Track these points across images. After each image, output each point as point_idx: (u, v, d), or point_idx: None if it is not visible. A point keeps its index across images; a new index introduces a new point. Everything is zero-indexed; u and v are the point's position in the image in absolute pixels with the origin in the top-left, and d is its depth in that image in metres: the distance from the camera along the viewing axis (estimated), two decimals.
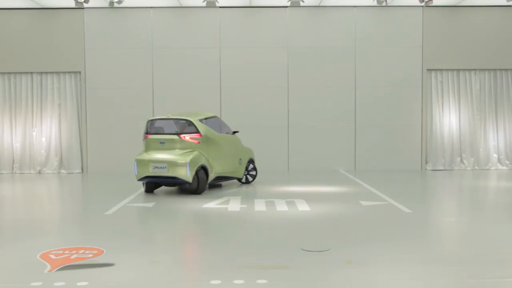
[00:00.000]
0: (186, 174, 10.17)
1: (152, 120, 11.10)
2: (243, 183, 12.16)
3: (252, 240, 6.79)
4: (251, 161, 12.22)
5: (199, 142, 10.52)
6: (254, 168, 12.24)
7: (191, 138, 10.50)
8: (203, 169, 10.59)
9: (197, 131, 10.58)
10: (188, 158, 10.23)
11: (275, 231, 7.37)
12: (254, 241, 6.72)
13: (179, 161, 10.23)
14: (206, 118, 11.09)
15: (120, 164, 14.87)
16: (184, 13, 14.99)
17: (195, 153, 10.41)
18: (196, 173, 10.36)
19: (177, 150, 10.44)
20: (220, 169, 11.12)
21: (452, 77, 15.30)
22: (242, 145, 12.06)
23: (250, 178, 12.19)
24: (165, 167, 10.28)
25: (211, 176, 10.86)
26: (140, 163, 10.52)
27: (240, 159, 11.79)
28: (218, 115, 12.29)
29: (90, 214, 8.91)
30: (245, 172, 12.11)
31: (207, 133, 10.72)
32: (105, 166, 14.94)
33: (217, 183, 11.94)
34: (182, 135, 10.50)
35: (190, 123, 10.68)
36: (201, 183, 10.48)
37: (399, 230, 7.38)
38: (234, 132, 11.92)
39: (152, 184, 10.88)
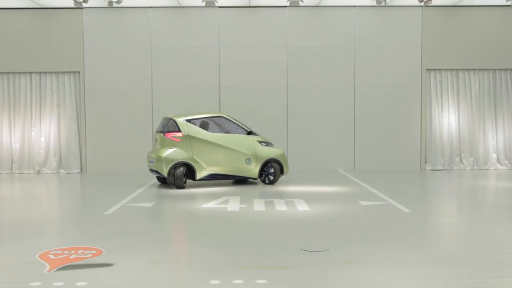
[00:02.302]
0: (162, 168, 11.23)
1: (162, 118, 12.22)
2: (266, 183, 12.07)
3: (251, 240, 6.78)
4: (271, 161, 11.96)
5: (180, 140, 11.37)
6: (271, 167, 11.97)
7: (172, 137, 11.43)
8: (186, 166, 11.37)
9: (179, 130, 11.41)
10: (163, 155, 11.26)
11: (274, 231, 7.37)
12: (253, 241, 6.72)
13: (158, 157, 11.38)
14: (200, 118, 11.73)
15: (119, 164, 14.90)
16: (183, 13, 14.99)
17: (173, 150, 11.34)
18: (174, 169, 11.19)
19: (163, 147, 11.48)
20: (215, 167, 11.62)
21: (452, 77, 15.31)
22: (257, 144, 11.88)
23: (271, 178, 12.03)
24: (153, 162, 11.58)
25: (201, 173, 11.53)
26: (147, 157, 12.08)
27: (248, 158, 11.77)
28: (227, 115, 12.11)
29: (89, 214, 8.90)
30: (264, 173, 12.05)
31: (190, 132, 11.44)
32: (104, 166, 14.93)
33: (220, 180, 12.31)
34: (166, 133, 11.48)
35: (174, 122, 11.54)
36: (177, 179, 11.26)
37: (398, 230, 7.38)
38: (250, 133, 11.91)
39: (160, 177, 12.00)
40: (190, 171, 11.50)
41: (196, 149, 11.43)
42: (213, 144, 11.57)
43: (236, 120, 12.09)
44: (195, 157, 11.41)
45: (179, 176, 11.29)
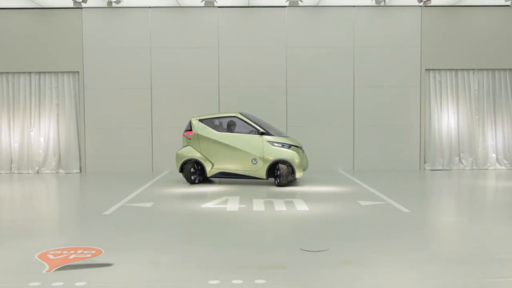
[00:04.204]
0: (176, 165, 12.26)
1: None
2: (276, 185, 11.80)
3: (250, 240, 6.78)
4: (280, 162, 11.57)
5: (190, 139, 12.16)
6: (279, 168, 11.60)
7: (185, 135, 12.29)
8: (197, 163, 12.11)
9: (190, 129, 12.16)
10: (177, 152, 12.33)
11: (274, 231, 7.37)
12: (253, 241, 6.72)
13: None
14: (214, 118, 12.20)
15: (119, 164, 14.90)
16: (183, 13, 14.99)
17: (185, 148, 12.25)
18: (185, 165, 12.10)
19: (182, 145, 12.48)
20: (224, 166, 11.95)
21: (451, 77, 15.31)
22: (265, 145, 11.62)
23: (282, 179, 11.62)
24: None
25: (211, 170, 12.04)
26: None
27: (254, 159, 11.70)
28: (241, 115, 12.02)
29: (88, 214, 8.89)
30: (275, 174, 11.82)
31: (200, 131, 12.04)
32: (104, 166, 14.93)
33: (219, 180, 12.62)
34: (184, 132, 12.33)
35: (189, 122, 12.25)
36: (185, 174, 12.18)
37: (397, 230, 7.38)
38: (262, 134, 11.73)
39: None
40: (202, 169, 12.17)
41: (204, 148, 12.01)
42: (220, 143, 11.88)
43: (251, 120, 11.93)
44: (204, 155, 12.02)
45: (188, 172, 12.10)
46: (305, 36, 15.04)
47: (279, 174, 11.67)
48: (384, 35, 15.07)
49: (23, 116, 15.09)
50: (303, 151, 12.20)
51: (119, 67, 14.96)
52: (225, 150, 11.84)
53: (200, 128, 12.04)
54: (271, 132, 11.95)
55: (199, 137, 12.02)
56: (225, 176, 12.15)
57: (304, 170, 12.20)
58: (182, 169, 12.17)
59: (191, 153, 12.08)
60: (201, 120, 12.14)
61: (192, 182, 12.15)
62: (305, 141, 14.96)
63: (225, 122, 12.17)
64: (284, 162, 11.63)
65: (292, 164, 11.60)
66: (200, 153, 12.03)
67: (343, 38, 15.06)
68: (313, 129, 15.08)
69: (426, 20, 15.06)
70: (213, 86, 15.00)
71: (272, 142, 11.72)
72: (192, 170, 12.14)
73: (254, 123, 11.97)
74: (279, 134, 12.24)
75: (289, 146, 11.78)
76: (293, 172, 11.68)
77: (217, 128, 12.10)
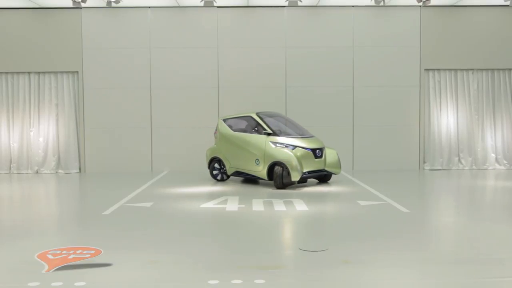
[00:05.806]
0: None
1: None
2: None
3: (249, 240, 6.78)
4: (277, 164, 11.15)
5: (215, 138, 12.65)
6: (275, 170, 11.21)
7: (213, 134, 12.96)
8: (219, 161, 12.50)
9: (216, 129, 12.61)
10: (207, 149, 12.95)
11: (273, 231, 7.37)
12: (252, 241, 6.72)
13: None
14: (234, 118, 12.52)
15: (118, 164, 14.88)
16: (182, 12, 14.98)
17: (212, 146, 12.78)
18: (211, 162, 12.64)
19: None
20: (237, 165, 12.17)
21: (450, 77, 15.31)
22: (267, 145, 11.37)
23: (276, 181, 11.22)
24: None
25: (230, 169, 12.30)
26: None
27: (257, 159, 11.58)
28: (256, 115, 12.00)
29: (87, 214, 8.89)
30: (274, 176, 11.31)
31: (221, 130, 12.44)
32: (103, 166, 14.92)
33: (244, 179, 12.84)
34: (214, 131, 12.87)
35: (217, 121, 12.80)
36: (210, 171, 12.71)
37: (397, 230, 7.38)
38: (269, 134, 11.50)
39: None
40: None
41: (223, 147, 12.34)
42: (233, 142, 12.12)
43: (263, 120, 11.79)
44: (224, 154, 12.35)
45: (212, 169, 12.61)
46: (304, 36, 15.03)
47: (274, 175, 11.28)
48: (383, 35, 15.07)
49: (23, 116, 15.07)
50: (316, 154, 11.53)
51: (118, 67, 14.94)
52: (237, 149, 12.03)
53: (222, 128, 12.39)
54: (277, 132, 11.60)
55: (220, 136, 12.38)
56: (240, 176, 12.23)
57: (335, 173, 12.13)
58: (209, 166, 12.68)
59: (216, 151, 12.49)
60: (224, 120, 12.49)
61: (215, 179, 12.57)
62: None
63: (244, 122, 12.26)
64: (280, 163, 11.18)
65: (287, 166, 11.04)
66: (221, 151, 12.36)
67: (343, 38, 15.05)
68: (312, 129, 14.95)
69: (425, 20, 15.06)
70: (212, 86, 14.99)
71: (275, 143, 11.37)
72: (217, 167, 12.56)
73: (266, 123, 11.71)
74: (303, 135, 11.88)
75: (293, 148, 11.30)
76: (289, 174, 11.14)
77: (237, 128, 12.25)
